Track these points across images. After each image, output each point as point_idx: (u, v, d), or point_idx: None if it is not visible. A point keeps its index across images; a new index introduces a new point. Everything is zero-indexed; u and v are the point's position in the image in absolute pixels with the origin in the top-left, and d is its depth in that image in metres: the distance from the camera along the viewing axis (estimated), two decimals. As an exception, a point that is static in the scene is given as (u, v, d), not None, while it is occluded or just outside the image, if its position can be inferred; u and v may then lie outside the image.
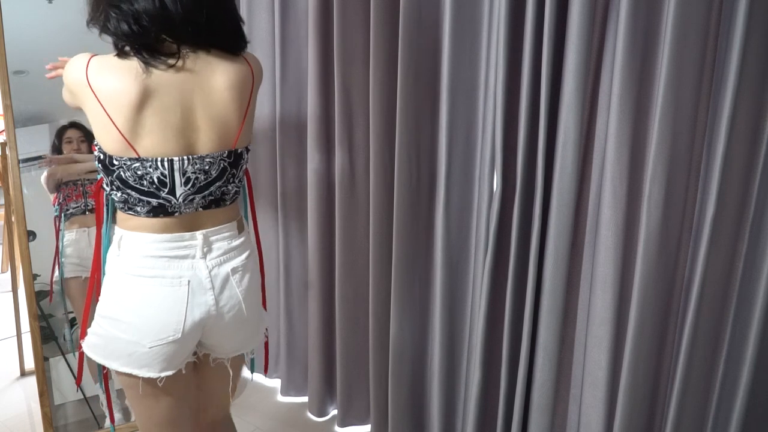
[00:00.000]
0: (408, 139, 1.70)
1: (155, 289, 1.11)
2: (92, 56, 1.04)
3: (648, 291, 1.37)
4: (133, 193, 1.08)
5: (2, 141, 2.14)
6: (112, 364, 1.15)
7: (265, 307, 1.34)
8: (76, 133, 2.14)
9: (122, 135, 1.03)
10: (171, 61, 1.03)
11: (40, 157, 2.10)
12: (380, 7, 1.67)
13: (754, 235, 1.32)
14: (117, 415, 2.17)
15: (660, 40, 1.31)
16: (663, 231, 1.35)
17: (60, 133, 2.13)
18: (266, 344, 1.46)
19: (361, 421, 2.12)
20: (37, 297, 2.09)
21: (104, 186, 1.13)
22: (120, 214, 1.14)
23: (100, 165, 1.10)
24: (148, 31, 1.01)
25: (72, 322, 2.20)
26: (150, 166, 1.06)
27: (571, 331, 1.58)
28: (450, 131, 1.64)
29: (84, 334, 1.20)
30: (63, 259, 2.12)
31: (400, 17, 1.61)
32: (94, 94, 1.02)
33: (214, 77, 1.08)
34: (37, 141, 2.08)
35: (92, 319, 1.20)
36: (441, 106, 1.64)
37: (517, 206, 1.54)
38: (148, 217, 1.10)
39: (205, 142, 1.09)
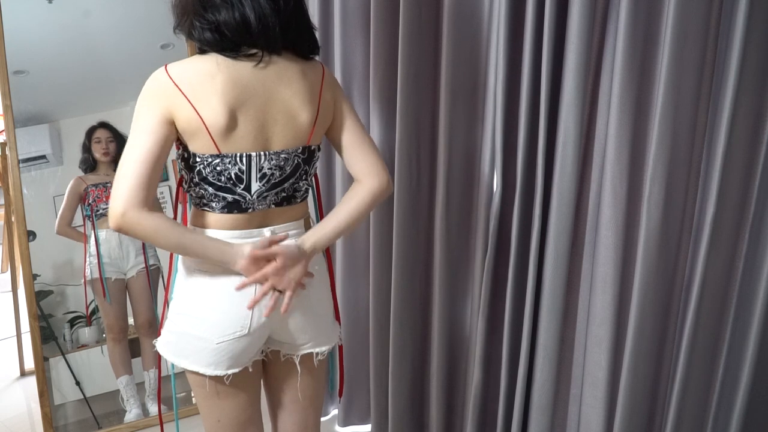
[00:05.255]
0: (408, 139, 1.70)
1: (224, 285, 1.13)
2: (166, 67, 1.07)
3: (648, 291, 1.37)
4: (210, 188, 1.11)
5: (2, 141, 2.14)
6: (182, 362, 1.18)
7: (338, 319, 1.33)
8: (105, 133, 2.15)
9: (209, 132, 1.06)
10: (252, 62, 1.08)
11: (40, 157, 2.11)
12: (380, 7, 1.67)
13: (754, 235, 1.32)
14: (136, 411, 2.18)
15: (660, 39, 1.31)
16: (663, 231, 1.35)
17: (89, 133, 2.15)
18: (341, 362, 1.42)
19: (361, 421, 2.12)
20: (37, 297, 2.09)
21: (183, 184, 1.17)
22: (194, 211, 1.18)
23: (183, 163, 1.14)
24: (229, 40, 1.06)
25: (72, 322, 2.21)
26: (229, 162, 1.09)
27: (571, 331, 1.58)
28: (450, 131, 1.64)
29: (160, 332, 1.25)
30: (92, 258, 2.14)
31: (400, 17, 1.61)
32: (183, 94, 1.05)
33: (286, 76, 1.11)
34: (37, 141, 2.08)
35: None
36: (441, 106, 1.64)
37: (517, 206, 1.54)
38: (222, 213, 1.13)
39: (280, 138, 1.12)
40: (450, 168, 1.66)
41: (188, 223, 1.20)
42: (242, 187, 1.11)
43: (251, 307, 1.13)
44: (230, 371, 1.17)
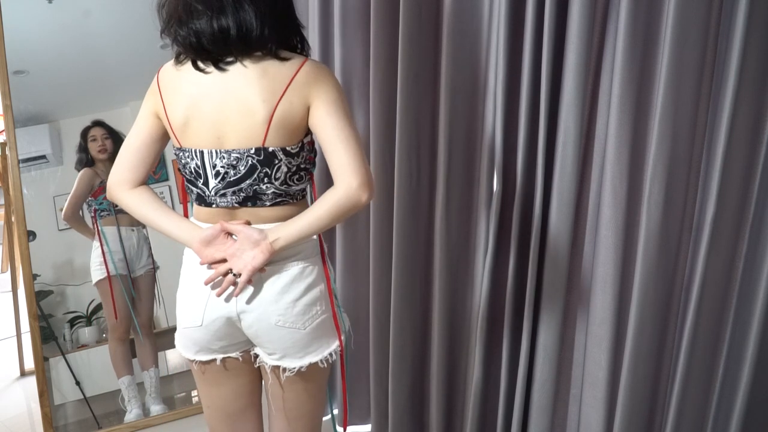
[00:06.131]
0: (408, 139, 1.70)
1: (195, 274, 1.19)
2: (163, 65, 1.18)
3: (648, 291, 1.37)
4: (184, 179, 1.20)
5: (2, 141, 2.14)
6: (176, 340, 1.28)
7: (339, 337, 1.24)
8: (100, 131, 2.16)
9: (170, 125, 1.15)
10: (223, 66, 1.10)
11: (40, 157, 2.11)
12: (380, 7, 1.67)
13: (754, 235, 1.32)
14: (137, 411, 2.19)
15: (660, 39, 1.31)
16: (663, 231, 1.35)
17: (84, 132, 2.15)
18: (344, 391, 1.39)
19: (361, 421, 2.12)
20: (37, 297, 2.09)
21: None
22: None
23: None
24: (205, 49, 1.09)
25: (72, 322, 2.21)
26: (188, 156, 1.16)
27: (571, 331, 1.58)
28: (450, 131, 1.63)
29: None
30: (112, 255, 2.14)
31: (400, 17, 1.61)
32: (159, 91, 1.15)
33: (244, 76, 1.10)
34: (37, 141, 2.08)
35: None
36: (441, 106, 1.63)
37: (517, 206, 1.54)
38: (197, 204, 1.21)
39: (232, 137, 1.12)
40: (450, 168, 1.66)
41: None
42: (201, 181, 1.16)
43: (206, 283, 1.16)
44: (197, 357, 1.24)
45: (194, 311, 1.19)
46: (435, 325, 1.78)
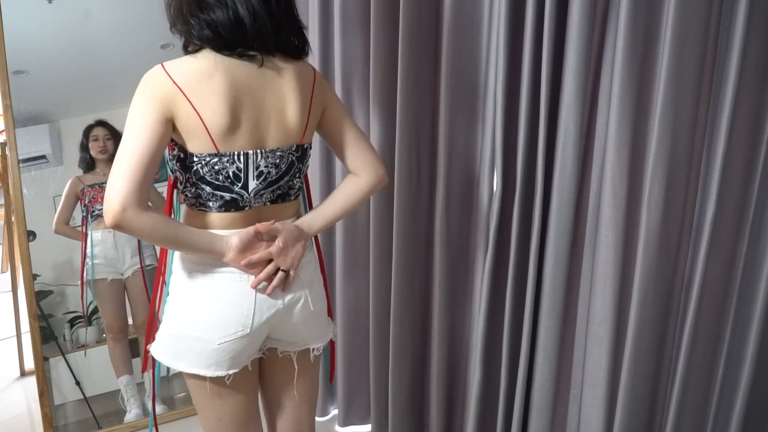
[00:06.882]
0: (408, 139, 1.70)
1: (224, 284, 1.14)
2: (164, 65, 1.06)
3: (648, 291, 1.37)
4: (207, 188, 1.11)
5: (2, 141, 2.14)
6: (180, 365, 1.17)
7: (330, 313, 1.35)
8: (102, 131, 2.16)
9: (208, 131, 1.06)
10: (249, 62, 1.09)
11: (40, 157, 2.11)
12: (380, 7, 1.67)
13: (754, 235, 1.32)
14: (136, 411, 2.18)
15: (660, 39, 1.31)
16: (663, 231, 1.35)
17: (87, 131, 2.14)
18: (332, 351, 1.46)
19: (361, 421, 2.12)
20: (37, 297, 2.09)
21: (178, 185, 1.16)
22: (188, 212, 1.18)
23: (178, 164, 1.12)
24: (225, 40, 1.07)
25: (72, 322, 2.21)
26: (227, 161, 1.10)
27: (571, 331, 1.58)
28: (450, 131, 1.64)
29: (150, 335, 1.24)
30: (89, 259, 2.14)
31: (400, 17, 1.61)
32: (184, 94, 1.04)
33: (280, 76, 1.13)
34: (37, 141, 2.08)
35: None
36: (441, 106, 1.64)
37: (517, 206, 1.54)
38: (219, 212, 1.13)
39: (274, 137, 1.14)
40: (450, 168, 1.66)
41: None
42: (240, 185, 1.12)
43: (254, 286, 1.14)
44: (231, 371, 1.17)
45: (238, 320, 1.14)
46: (435, 325, 1.78)
